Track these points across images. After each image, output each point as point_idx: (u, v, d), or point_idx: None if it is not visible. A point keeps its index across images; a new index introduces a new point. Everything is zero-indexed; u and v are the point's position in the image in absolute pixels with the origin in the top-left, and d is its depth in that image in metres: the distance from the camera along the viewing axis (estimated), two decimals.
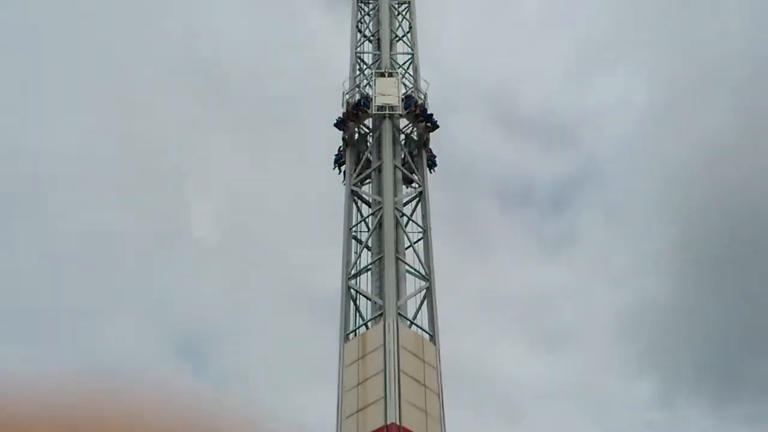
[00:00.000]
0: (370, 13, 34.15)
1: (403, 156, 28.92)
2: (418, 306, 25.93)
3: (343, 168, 29.58)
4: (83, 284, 47.22)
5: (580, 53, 66.68)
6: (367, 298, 26.10)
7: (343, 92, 30.33)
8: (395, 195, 27.78)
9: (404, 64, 32.39)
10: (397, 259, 26.15)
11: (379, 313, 24.95)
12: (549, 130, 64.25)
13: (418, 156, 29.47)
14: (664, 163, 59.37)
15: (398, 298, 25.16)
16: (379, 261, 26.31)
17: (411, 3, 34.40)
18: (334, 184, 29.51)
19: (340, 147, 29.92)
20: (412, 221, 28.25)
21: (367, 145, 29.77)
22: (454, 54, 55.19)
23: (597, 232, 63.96)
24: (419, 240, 27.78)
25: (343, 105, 29.89)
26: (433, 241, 27.69)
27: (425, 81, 31.06)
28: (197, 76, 63.65)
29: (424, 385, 23.61)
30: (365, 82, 30.87)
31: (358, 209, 28.61)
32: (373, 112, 29.00)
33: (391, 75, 30.01)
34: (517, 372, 56.00)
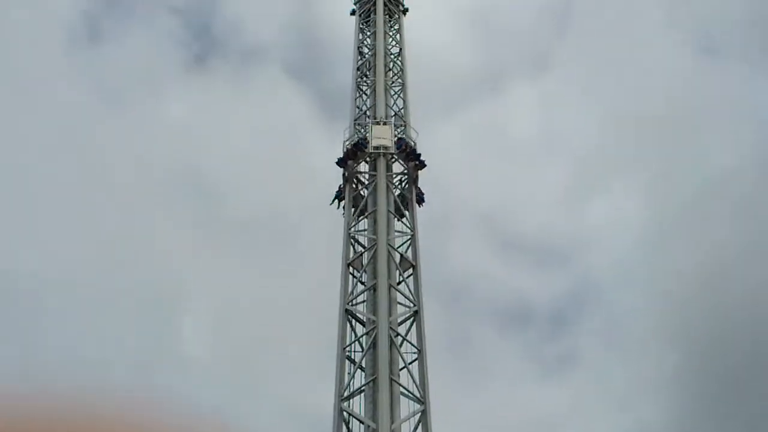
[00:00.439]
0: (367, 199, 34.33)
1: (395, 193, 32.04)
2: (412, 430, 25.17)
3: (342, 204, 32.07)
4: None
5: (576, 173, 67.89)
6: (360, 421, 25.39)
7: (343, 140, 33.55)
8: (390, 314, 27.61)
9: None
10: (392, 380, 25.63)
11: None
12: (545, 250, 64.70)
13: (409, 191, 32.36)
14: (662, 283, 59.29)
15: (392, 421, 24.51)
16: (372, 382, 25.79)
17: (406, 126, 35.17)
18: (328, 302, 29.37)
19: (340, 185, 32.60)
20: (407, 341, 27.87)
21: (364, 185, 32.81)
22: (450, 175, 56.16)
23: (597, 354, 63.21)
24: (414, 361, 27.31)
25: (343, 149, 33.01)
26: (428, 362, 27.25)
27: (414, 130, 34.37)
28: (189, 188, 64.51)
29: None
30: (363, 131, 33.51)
31: (352, 328, 28.27)
32: (370, 151, 32.33)
33: (386, 123, 34.08)
34: None
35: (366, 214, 31.49)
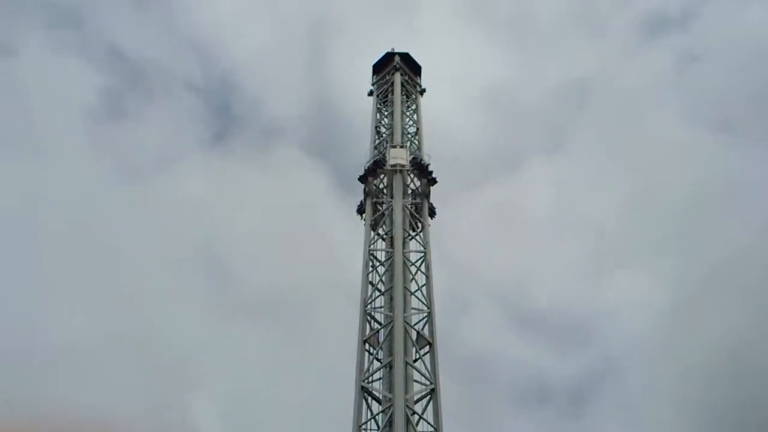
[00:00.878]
0: (385, 212, 35.33)
1: (409, 206, 34.95)
2: None
3: (363, 216, 35.26)
4: None
5: (594, 251, 67.84)
6: None
7: (365, 163, 36.98)
8: (407, 392, 27.43)
9: (417, 261, 33.14)
10: None
11: None
12: (563, 328, 64.08)
13: (422, 206, 35.18)
14: (680, 362, 58.38)
15: None
16: None
17: (423, 204, 35.67)
18: (344, 379, 29.24)
19: (361, 200, 35.94)
20: (424, 419, 27.58)
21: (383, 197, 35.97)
22: (468, 253, 56.31)
23: None
24: None
25: (364, 168, 36.52)
26: None
27: (427, 154, 37.43)
28: (206, 264, 64.80)
29: None
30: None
31: (368, 406, 28.08)
32: (388, 168, 35.91)
33: (402, 147, 37.46)
34: None
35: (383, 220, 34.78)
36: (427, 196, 35.76)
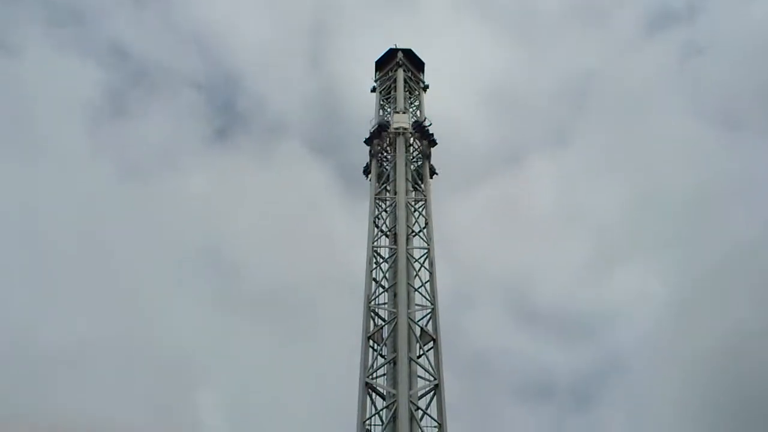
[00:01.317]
0: (387, 209, 35.41)
1: (412, 168, 37.25)
2: None
3: (369, 176, 37.39)
4: None
5: (598, 246, 67.82)
6: None
7: (370, 123, 39.80)
8: (410, 388, 27.50)
9: (420, 257, 33.19)
10: None
11: None
12: (567, 323, 64.12)
13: (423, 166, 37.41)
14: (685, 356, 58.38)
15: None
16: None
17: (427, 200, 35.74)
18: (348, 376, 29.32)
19: (367, 162, 38.06)
20: (428, 415, 27.65)
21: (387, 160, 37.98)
22: (471, 249, 56.33)
23: (619, 427, 61.83)
24: None
25: (369, 132, 38.89)
26: None
27: (428, 119, 39.61)
28: (208, 261, 64.88)
29: None
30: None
31: (372, 402, 28.16)
32: (392, 130, 38.17)
33: (404, 112, 39.69)
34: None
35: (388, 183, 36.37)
36: (428, 156, 37.98)
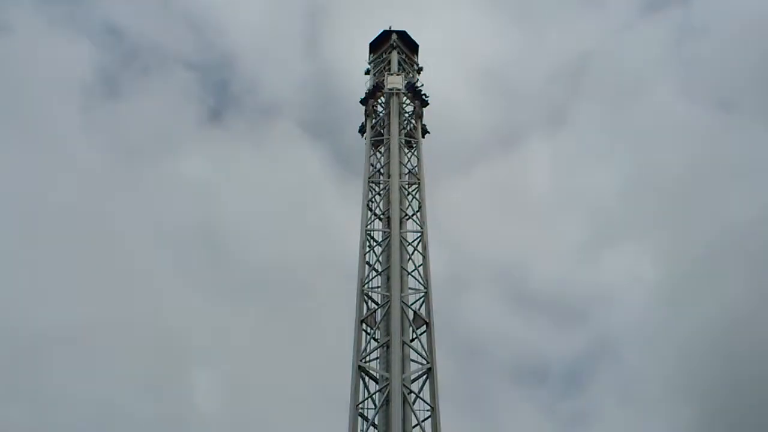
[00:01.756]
0: (381, 192, 35.28)
1: (405, 127, 38.46)
2: None
3: (364, 135, 38.76)
4: None
5: (592, 229, 67.91)
6: None
7: (365, 83, 41.57)
8: (403, 371, 27.48)
9: (414, 241, 33.10)
10: None
11: None
12: (560, 307, 64.33)
13: (416, 126, 38.77)
14: (677, 338, 58.72)
15: None
16: None
17: (421, 183, 35.61)
18: (341, 359, 29.32)
19: (362, 122, 39.58)
20: (421, 398, 27.66)
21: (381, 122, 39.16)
22: (465, 232, 56.37)
23: (611, 411, 62.24)
24: (427, 419, 27.03)
25: (365, 92, 40.48)
26: (441, 419, 26.98)
27: (420, 80, 41.56)
28: (203, 243, 64.80)
29: None
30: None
31: (365, 385, 28.13)
32: (386, 90, 39.75)
33: (398, 74, 41.03)
34: None
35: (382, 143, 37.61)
36: (420, 116, 39.42)
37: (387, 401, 26.58)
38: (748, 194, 61.78)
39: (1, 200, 59.16)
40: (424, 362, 28.60)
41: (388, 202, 34.45)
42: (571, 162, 74.04)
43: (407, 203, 34.86)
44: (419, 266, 31.99)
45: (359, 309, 30.25)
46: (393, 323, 28.80)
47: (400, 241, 32.31)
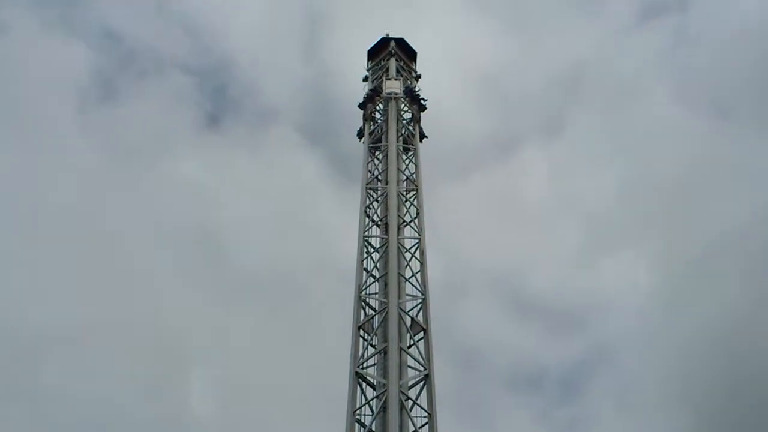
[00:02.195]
0: (379, 199, 35.41)
1: (403, 132, 38.43)
2: None
3: (362, 140, 38.79)
4: None
5: (588, 235, 68.05)
6: None
7: (364, 88, 41.65)
8: (401, 378, 27.57)
9: (411, 247, 33.22)
10: None
11: None
12: (557, 313, 64.46)
13: (414, 130, 38.87)
14: (673, 344, 58.84)
15: None
16: None
17: (418, 190, 35.74)
18: (338, 365, 29.41)
19: (361, 126, 39.77)
20: (418, 405, 27.74)
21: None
22: (463, 239, 56.47)
23: (608, 416, 62.35)
24: (424, 425, 27.08)
25: (363, 96, 40.73)
26: (439, 426, 27.05)
27: (417, 85, 41.52)
28: (199, 247, 64.84)
29: None
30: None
31: (362, 391, 28.20)
32: (384, 95, 39.86)
33: (397, 79, 41.11)
34: None
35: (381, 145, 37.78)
36: (418, 121, 39.69)
37: (384, 408, 26.65)
38: (744, 198, 62.07)
39: None
40: (422, 369, 28.66)
41: (385, 209, 34.56)
42: (568, 168, 74.36)
43: (405, 210, 34.98)
44: (417, 273, 32.11)
45: (356, 315, 30.33)
46: (390, 330, 28.88)
47: (398, 247, 32.43)
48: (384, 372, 28.00)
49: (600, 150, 75.12)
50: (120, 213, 63.15)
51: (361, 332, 29.98)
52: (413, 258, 32.70)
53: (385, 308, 29.95)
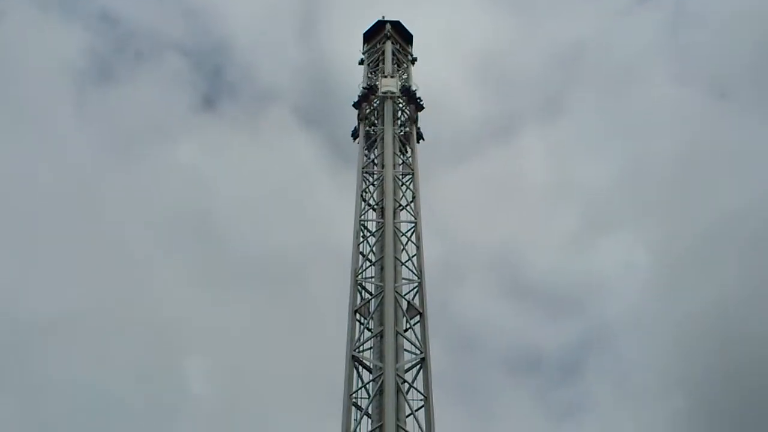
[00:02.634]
0: (375, 183, 35.36)
1: (399, 132, 37.33)
2: None
3: (357, 140, 37.63)
4: None
5: (586, 218, 67.99)
6: None
7: (359, 86, 40.01)
8: (397, 361, 27.66)
9: (408, 231, 33.23)
10: (398, 427, 25.57)
11: None
12: (555, 296, 64.51)
13: (410, 131, 37.63)
14: (671, 326, 58.95)
15: None
16: (379, 429, 25.75)
17: (415, 173, 35.70)
18: (335, 348, 29.48)
19: (356, 126, 38.30)
20: (414, 388, 27.86)
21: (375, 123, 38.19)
22: (460, 222, 56.46)
23: (606, 399, 62.63)
24: (420, 408, 27.23)
25: (358, 95, 39.08)
26: (435, 409, 27.18)
27: (415, 84, 40.01)
28: (196, 230, 64.80)
29: None
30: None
31: (359, 375, 28.32)
32: (379, 94, 38.31)
33: (392, 77, 39.84)
34: None
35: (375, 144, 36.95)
36: (415, 121, 38.25)
37: (380, 391, 26.72)
38: (743, 182, 62.04)
39: None
40: (418, 352, 28.77)
41: (382, 193, 34.53)
42: (566, 151, 74.14)
43: (401, 194, 34.95)
44: (413, 256, 32.15)
45: (353, 299, 30.39)
46: (386, 313, 28.91)
47: (394, 231, 32.43)
48: (380, 355, 28.05)
49: (599, 132, 75.03)
50: (115, 197, 63.08)
51: (358, 316, 30.05)
52: (409, 242, 32.72)
53: (381, 292, 29.98)
